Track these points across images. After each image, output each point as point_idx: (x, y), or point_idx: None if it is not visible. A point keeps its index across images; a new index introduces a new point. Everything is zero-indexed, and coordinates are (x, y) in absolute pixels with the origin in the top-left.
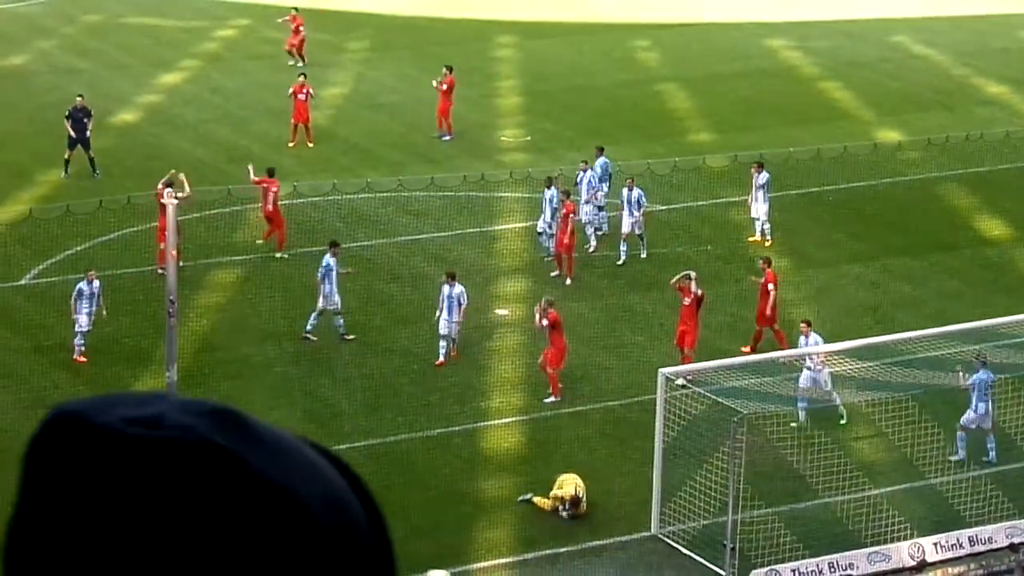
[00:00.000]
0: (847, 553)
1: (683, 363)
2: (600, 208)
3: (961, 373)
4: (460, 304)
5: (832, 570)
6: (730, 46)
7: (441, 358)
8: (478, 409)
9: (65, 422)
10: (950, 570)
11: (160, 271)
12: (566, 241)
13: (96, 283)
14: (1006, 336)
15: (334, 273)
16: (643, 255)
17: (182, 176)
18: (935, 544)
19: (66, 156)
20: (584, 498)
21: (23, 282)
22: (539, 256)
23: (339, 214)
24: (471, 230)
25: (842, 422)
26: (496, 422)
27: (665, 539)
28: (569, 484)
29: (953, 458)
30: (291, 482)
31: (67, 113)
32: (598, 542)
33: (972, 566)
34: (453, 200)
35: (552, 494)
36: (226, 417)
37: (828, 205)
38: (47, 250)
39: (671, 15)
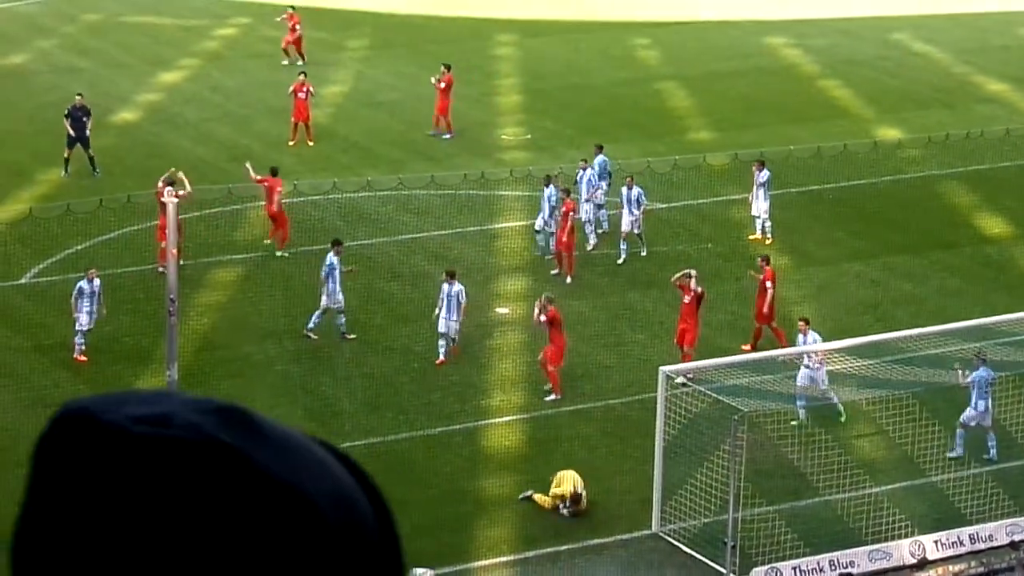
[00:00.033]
0: (848, 551)
1: (683, 361)
2: (599, 206)
3: (960, 371)
4: (459, 302)
5: (833, 568)
6: (729, 44)
7: (441, 357)
8: (479, 407)
9: (73, 420)
10: (951, 568)
11: (161, 270)
12: (565, 239)
13: (97, 282)
14: (1007, 334)
15: (337, 272)
16: (643, 253)
17: (180, 174)
18: (936, 542)
19: (65, 155)
20: (584, 494)
21: (23, 281)
22: (541, 253)
23: (339, 212)
24: (471, 228)
25: (841, 419)
26: (497, 420)
27: (666, 537)
28: (567, 481)
29: (951, 454)
30: (299, 480)
31: (66, 112)
32: (599, 540)
33: (973, 564)
34: (453, 198)
35: (552, 493)
36: (233, 415)
37: (828, 203)
38: (47, 249)
39: (669, 13)
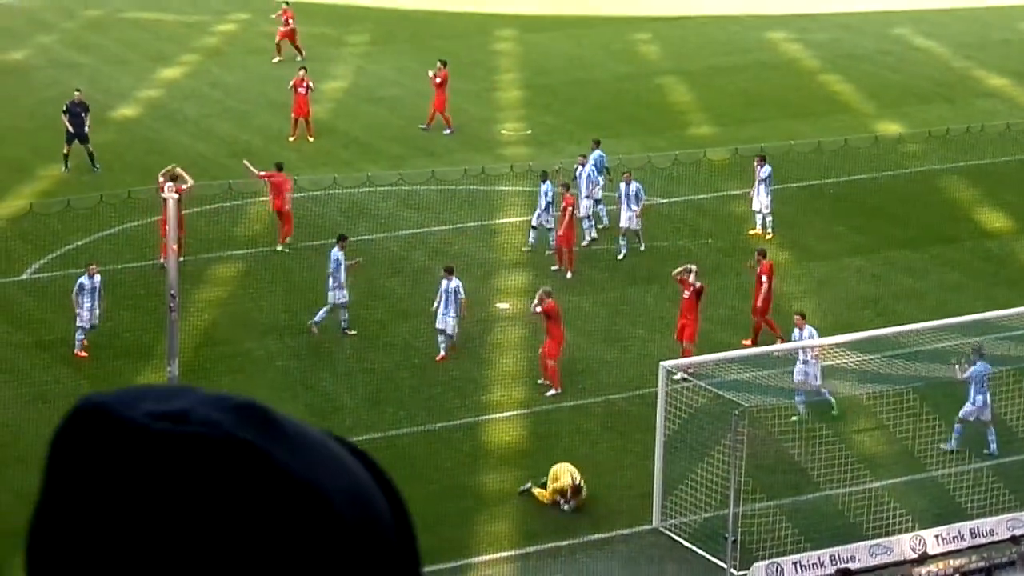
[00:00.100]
0: (848, 546)
1: (683, 356)
2: (597, 201)
3: (958, 365)
4: (457, 298)
5: (833, 562)
6: (729, 39)
7: (442, 352)
8: (479, 403)
9: (90, 415)
10: (951, 562)
11: (161, 265)
12: (561, 234)
13: (97, 277)
14: (1007, 328)
15: (343, 267)
16: (642, 248)
17: (179, 169)
18: (936, 536)
19: (64, 151)
20: (583, 485)
21: (24, 277)
22: (532, 249)
23: (340, 208)
24: (472, 224)
25: (833, 413)
26: (497, 416)
27: (667, 532)
28: (564, 474)
29: (943, 446)
30: (316, 477)
31: (64, 108)
32: (600, 535)
33: (973, 558)
34: (454, 194)
35: (551, 488)
36: (252, 412)
37: (829, 198)
38: (48, 245)
39: (670, 8)
